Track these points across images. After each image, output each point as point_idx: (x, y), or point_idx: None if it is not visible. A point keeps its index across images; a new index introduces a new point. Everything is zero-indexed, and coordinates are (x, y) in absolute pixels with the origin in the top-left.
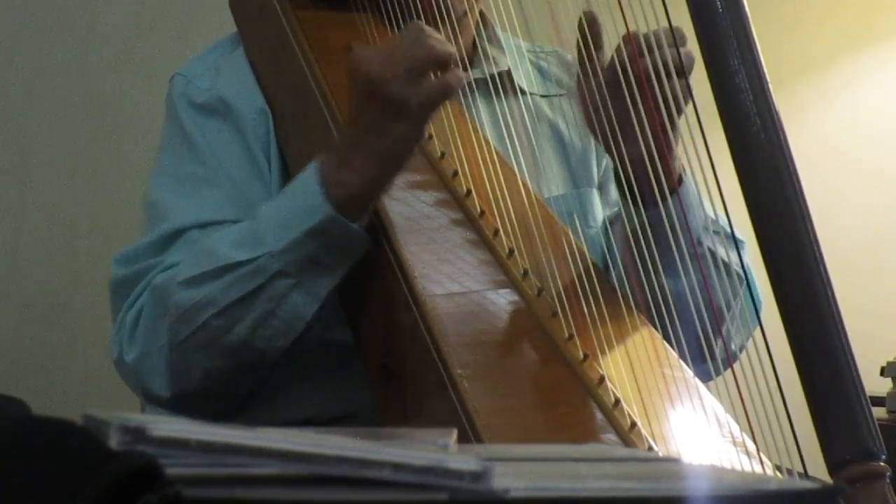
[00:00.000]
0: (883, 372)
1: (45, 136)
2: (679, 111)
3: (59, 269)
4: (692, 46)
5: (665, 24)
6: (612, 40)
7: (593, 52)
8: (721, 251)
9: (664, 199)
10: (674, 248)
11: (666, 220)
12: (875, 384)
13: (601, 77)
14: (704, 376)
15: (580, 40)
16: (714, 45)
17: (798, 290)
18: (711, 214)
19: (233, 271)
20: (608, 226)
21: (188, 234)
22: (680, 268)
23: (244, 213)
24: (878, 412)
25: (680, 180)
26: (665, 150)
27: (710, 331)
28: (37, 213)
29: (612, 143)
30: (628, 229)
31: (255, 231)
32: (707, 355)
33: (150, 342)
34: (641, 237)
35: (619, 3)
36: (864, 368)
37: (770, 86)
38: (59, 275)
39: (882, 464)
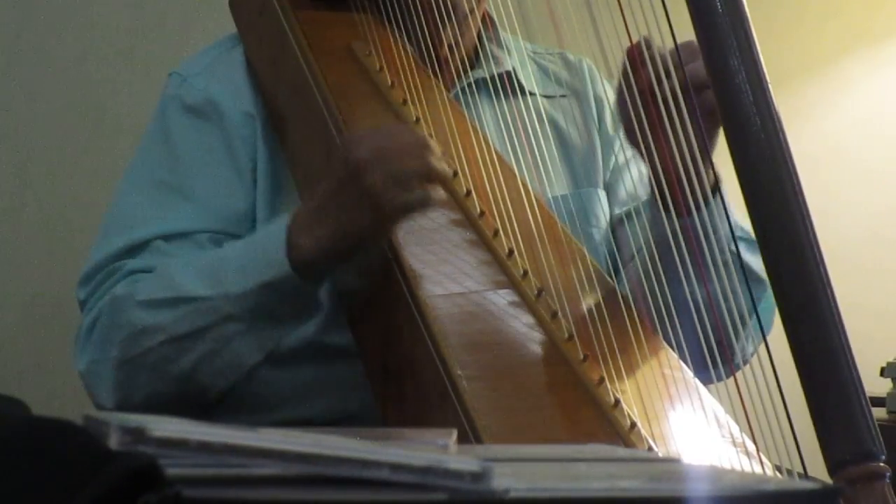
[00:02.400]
0: (883, 372)
1: (44, 136)
2: (715, 122)
3: (59, 269)
4: None
5: (665, 24)
6: (611, 41)
7: (641, 72)
8: (748, 257)
9: (698, 208)
10: (705, 254)
11: (700, 228)
12: (875, 385)
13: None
14: (714, 379)
15: (627, 63)
16: (714, 45)
17: (798, 290)
18: (739, 221)
19: (187, 304)
20: (624, 220)
21: (153, 243)
22: (710, 273)
23: (214, 224)
24: (878, 413)
25: (714, 189)
26: (703, 159)
27: (728, 335)
28: (37, 213)
29: (649, 151)
30: (656, 235)
31: (219, 268)
32: (722, 359)
33: (101, 351)
34: (674, 244)
35: (619, 3)
36: (864, 369)
37: (770, 86)
38: (59, 275)
39: (882, 464)
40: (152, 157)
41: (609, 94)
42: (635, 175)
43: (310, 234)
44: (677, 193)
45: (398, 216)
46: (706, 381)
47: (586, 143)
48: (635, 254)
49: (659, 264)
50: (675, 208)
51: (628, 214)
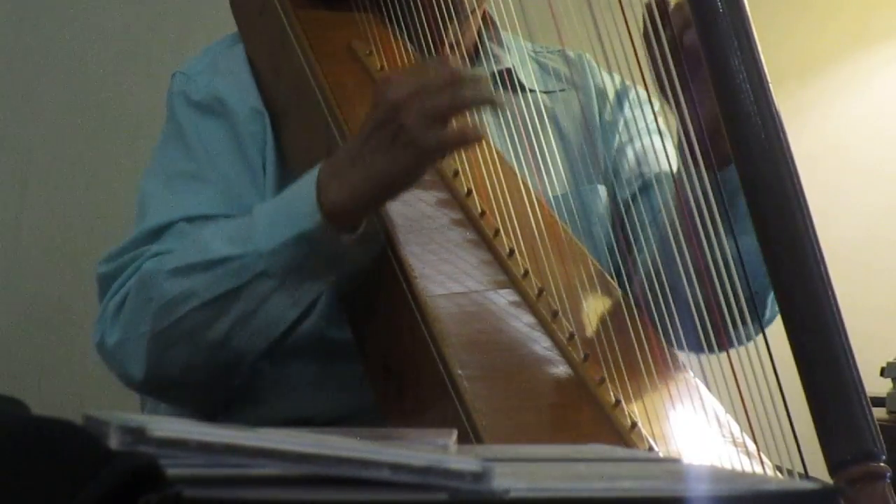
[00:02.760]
0: (883, 372)
1: (45, 137)
2: None
3: (59, 269)
4: None
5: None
6: (613, 40)
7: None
8: None
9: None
10: (736, 208)
11: (726, 182)
12: (875, 385)
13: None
14: (754, 334)
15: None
16: (715, 45)
17: (798, 290)
18: None
19: (219, 266)
20: (638, 195)
21: (176, 226)
22: (743, 227)
23: (234, 209)
24: (879, 413)
25: None
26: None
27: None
28: (37, 213)
29: (681, 105)
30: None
31: (248, 228)
32: (756, 315)
33: (132, 328)
34: (704, 200)
35: (620, 2)
36: (864, 369)
37: (770, 86)
38: (59, 275)
39: (882, 464)
40: (169, 153)
41: (609, 86)
42: (632, 157)
43: (341, 179)
44: (717, 144)
45: (434, 154)
46: (738, 340)
47: (586, 136)
48: (656, 220)
49: (691, 223)
50: (716, 159)
51: (647, 184)
